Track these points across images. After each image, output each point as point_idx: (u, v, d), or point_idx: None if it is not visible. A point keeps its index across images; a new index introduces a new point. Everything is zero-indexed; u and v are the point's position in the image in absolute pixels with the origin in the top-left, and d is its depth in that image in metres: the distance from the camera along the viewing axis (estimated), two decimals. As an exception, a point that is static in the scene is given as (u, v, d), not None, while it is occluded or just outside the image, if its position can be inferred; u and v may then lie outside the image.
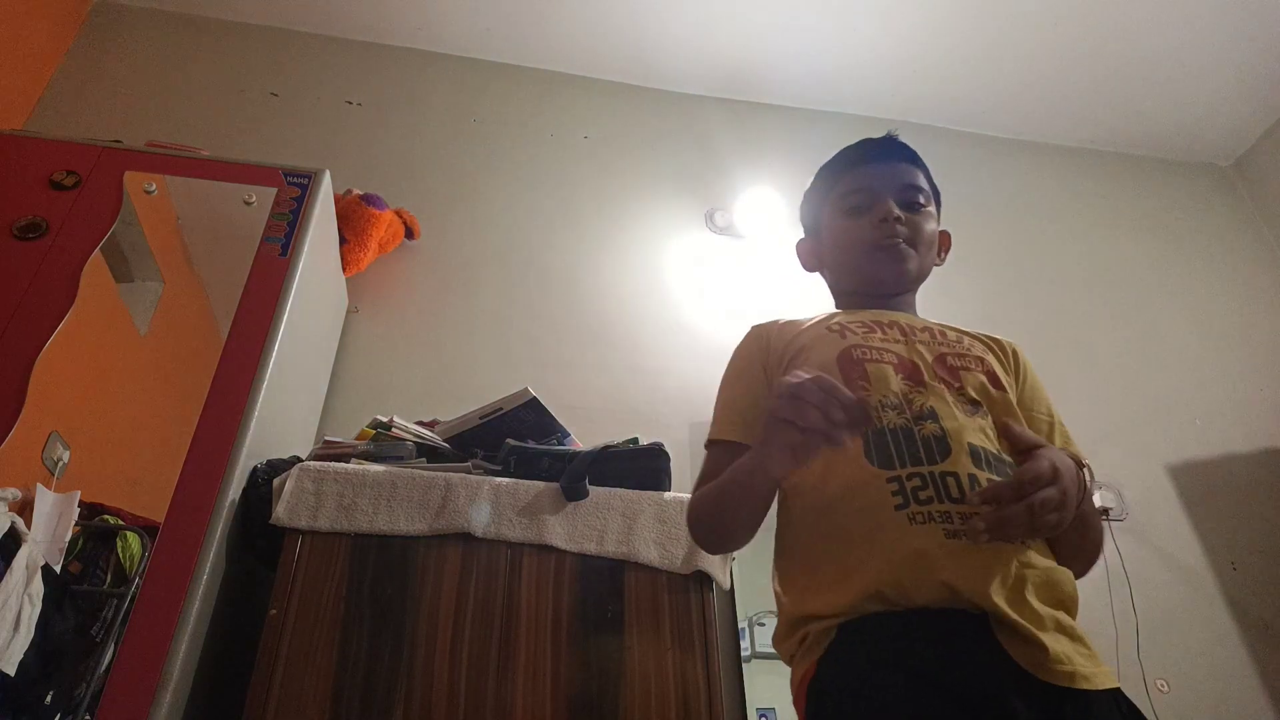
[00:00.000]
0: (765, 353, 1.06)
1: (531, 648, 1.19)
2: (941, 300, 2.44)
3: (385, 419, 1.51)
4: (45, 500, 1.17)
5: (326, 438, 1.49)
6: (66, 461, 1.24)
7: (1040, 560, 0.85)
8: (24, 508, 1.13)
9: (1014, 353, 1.13)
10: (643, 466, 1.41)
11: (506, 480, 1.35)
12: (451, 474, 1.34)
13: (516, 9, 2.48)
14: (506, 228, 2.28)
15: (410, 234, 2.11)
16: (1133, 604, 1.97)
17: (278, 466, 1.32)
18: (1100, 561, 2.01)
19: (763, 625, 1.76)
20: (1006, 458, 0.90)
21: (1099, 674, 0.79)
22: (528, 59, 2.62)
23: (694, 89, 2.71)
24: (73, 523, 1.19)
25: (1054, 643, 0.78)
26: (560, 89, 2.61)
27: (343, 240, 1.92)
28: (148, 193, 1.54)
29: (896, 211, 1.08)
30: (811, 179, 1.23)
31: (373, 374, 1.95)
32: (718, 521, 0.96)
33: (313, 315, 1.65)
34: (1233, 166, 3.02)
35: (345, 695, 1.11)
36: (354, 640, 1.15)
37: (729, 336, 1.17)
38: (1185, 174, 2.97)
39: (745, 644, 1.71)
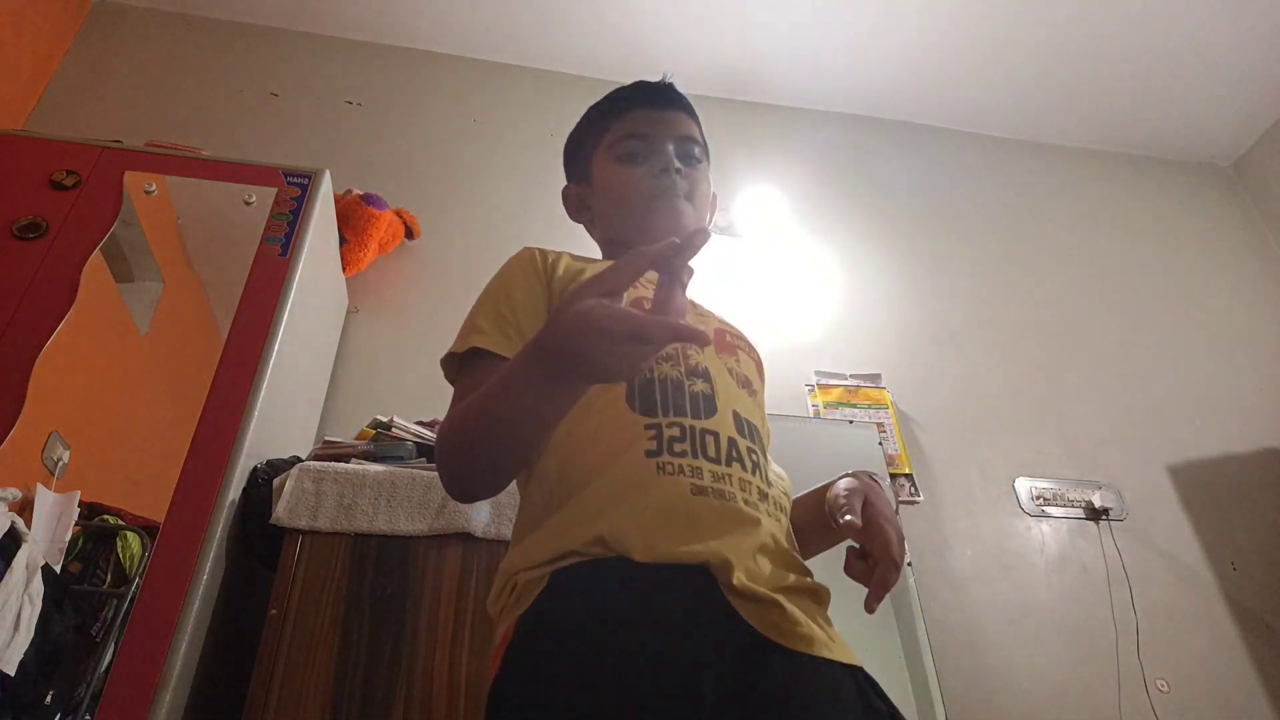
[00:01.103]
0: (549, 274, 0.94)
1: (531, 648, 1.19)
2: (942, 299, 2.46)
3: (385, 419, 1.51)
4: (45, 500, 1.17)
5: (326, 438, 1.49)
6: (66, 461, 1.24)
7: (779, 534, 0.81)
8: (24, 508, 1.13)
9: (760, 362, 1.03)
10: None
11: (506, 480, 1.35)
12: (451, 474, 1.34)
13: (516, 9, 2.48)
14: (506, 228, 2.28)
15: (410, 234, 2.11)
16: (1133, 604, 1.97)
17: (278, 466, 1.32)
18: (1100, 561, 2.03)
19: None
20: (762, 433, 0.88)
21: (839, 646, 0.74)
22: (528, 59, 2.62)
23: (694, 89, 2.70)
24: (73, 523, 1.20)
25: (791, 604, 0.73)
26: (560, 89, 2.61)
27: (343, 240, 1.92)
28: (148, 193, 1.54)
29: (676, 162, 1.00)
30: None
31: (373, 374, 1.95)
32: (479, 447, 0.75)
33: (313, 315, 1.65)
34: (1233, 166, 3.02)
35: (345, 695, 1.11)
36: (354, 640, 1.15)
37: (729, 336, 1.17)
38: (1185, 174, 2.97)
39: (745, 644, 1.71)
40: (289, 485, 1.26)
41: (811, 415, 2.14)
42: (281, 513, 1.23)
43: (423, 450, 1.47)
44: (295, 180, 1.59)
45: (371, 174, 2.22)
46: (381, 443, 1.45)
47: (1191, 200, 2.90)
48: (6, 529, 1.07)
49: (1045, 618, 1.95)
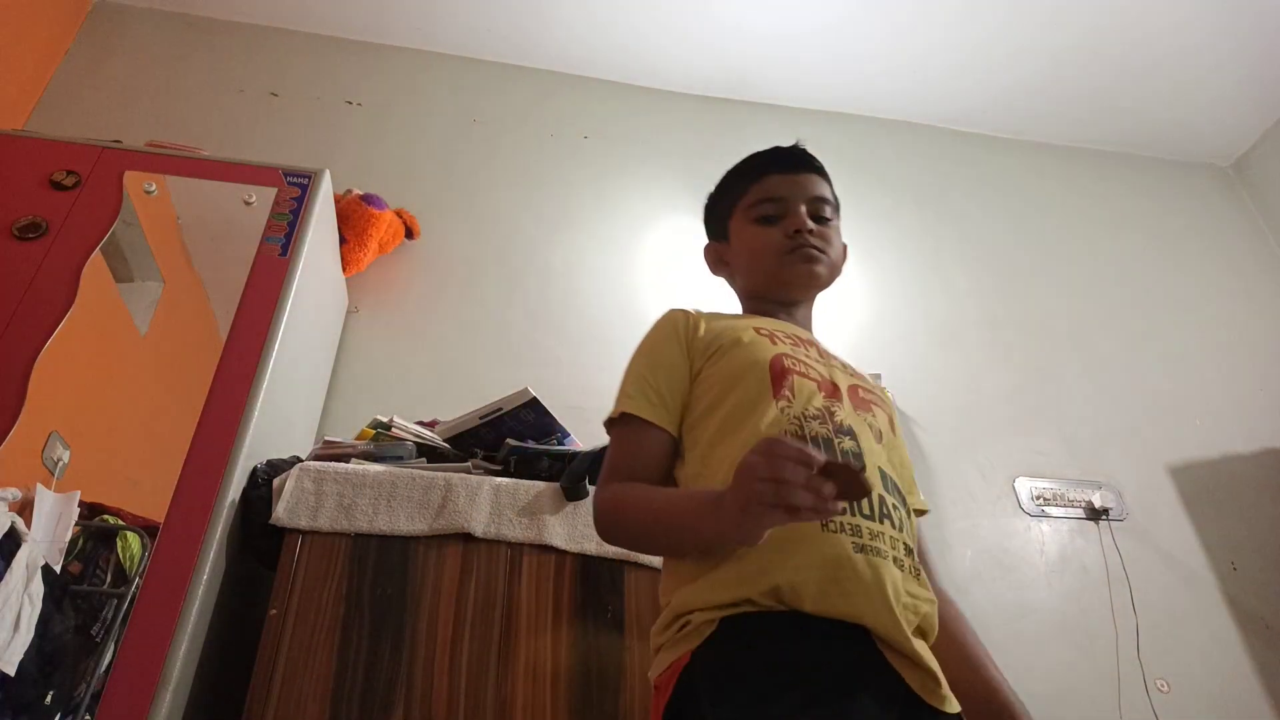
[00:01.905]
0: (689, 338, 1.03)
1: (531, 648, 1.19)
2: (942, 299, 2.46)
3: (385, 419, 1.51)
4: (45, 500, 1.17)
5: (326, 438, 1.49)
6: (66, 461, 1.24)
7: (924, 593, 0.87)
8: (24, 508, 1.13)
9: (891, 407, 1.09)
10: (643, 466, 1.41)
11: (506, 480, 1.35)
12: (451, 474, 1.34)
13: (516, 9, 2.48)
14: (506, 228, 2.28)
15: (410, 234, 2.11)
16: (1133, 604, 1.97)
17: (278, 466, 1.32)
18: (1100, 561, 2.03)
19: (763, 625, 1.76)
20: (902, 484, 0.94)
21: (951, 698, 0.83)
22: (528, 59, 2.62)
23: (694, 89, 2.71)
24: (73, 523, 1.19)
25: (933, 662, 0.81)
26: (560, 89, 2.61)
27: (343, 240, 1.92)
28: (148, 193, 1.54)
29: (810, 223, 1.09)
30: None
31: (373, 374, 1.95)
32: (641, 540, 0.96)
33: (313, 315, 1.65)
34: (1233, 166, 3.02)
35: (345, 695, 1.11)
36: (354, 640, 1.15)
37: (729, 336, 1.17)
38: (1185, 174, 2.97)
39: (745, 644, 1.71)
40: (289, 485, 1.26)
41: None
42: (281, 513, 1.23)
43: (422, 450, 1.47)
44: (295, 180, 1.59)
45: (371, 174, 2.22)
46: (381, 443, 1.45)
47: (1191, 200, 2.90)
48: (6, 529, 1.07)
49: (1045, 618, 1.95)
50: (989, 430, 2.22)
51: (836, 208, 1.17)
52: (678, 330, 1.03)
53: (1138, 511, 2.16)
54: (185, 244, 1.65)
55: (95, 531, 1.23)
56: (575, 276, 2.24)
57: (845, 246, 1.19)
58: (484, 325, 2.09)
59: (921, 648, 0.81)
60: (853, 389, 1.00)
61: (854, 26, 2.52)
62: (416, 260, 2.16)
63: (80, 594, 1.17)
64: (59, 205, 1.43)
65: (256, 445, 1.30)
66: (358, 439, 1.48)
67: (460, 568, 1.24)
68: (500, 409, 1.47)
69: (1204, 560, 2.11)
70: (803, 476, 0.66)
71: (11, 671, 1.01)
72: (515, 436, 1.44)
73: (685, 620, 0.83)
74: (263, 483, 1.28)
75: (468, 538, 1.26)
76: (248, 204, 1.55)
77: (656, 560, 1.30)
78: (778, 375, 0.94)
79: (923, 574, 0.89)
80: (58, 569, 1.15)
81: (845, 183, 2.63)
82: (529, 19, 2.51)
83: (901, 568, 0.84)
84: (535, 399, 1.47)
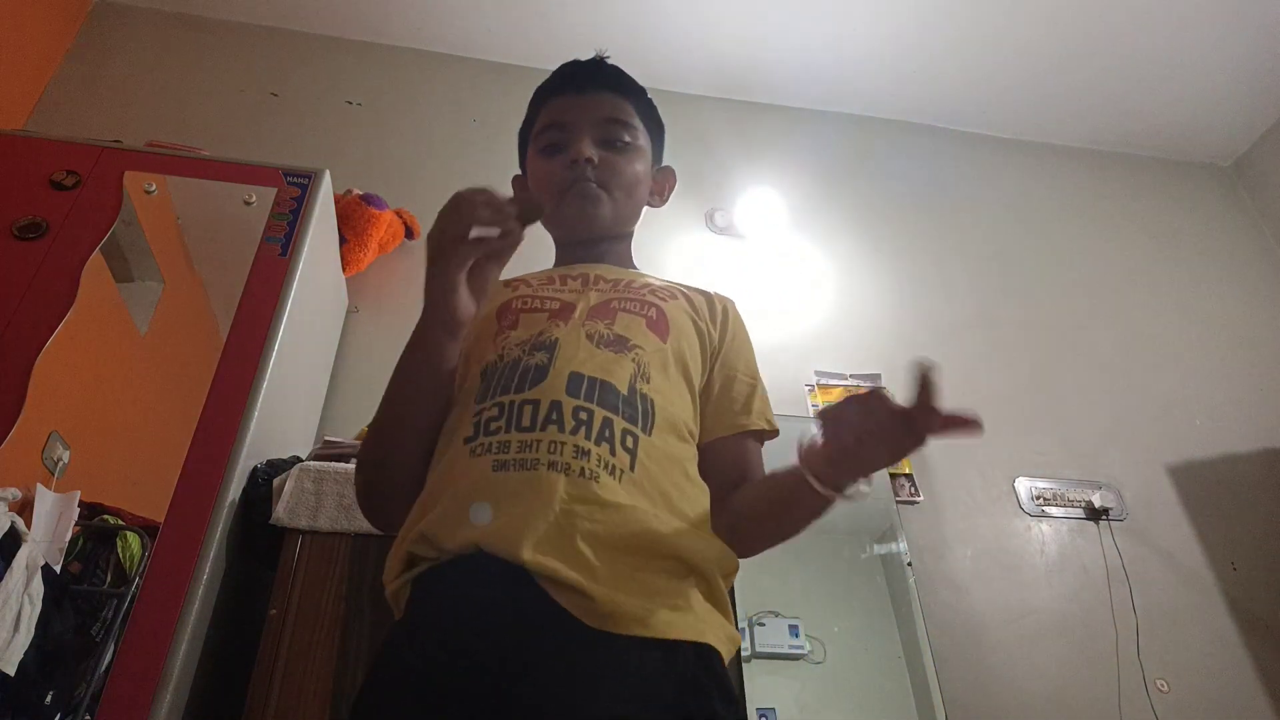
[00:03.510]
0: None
1: (531, 648, 1.19)
2: (942, 299, 2.46)
3: (385, 419, 1.50)
4: (45, 500, 1.17)
5: (326, 438, 1.49)
6: (66, 461, 1.24)
7: (614, 498, 0.72)
8: (24, 508, 1.13)
9: (724, 309, 1.00)
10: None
11: (506, 480, 1.35)
12: (451, 474, 1.34)
13: (516, 9, 2.48)
14: (506, 228, 2.28)
15: (410, 234, 2.11)
16: (1133, 604, 1.97)
17: (278, 466, 1.32)
18: (1100, 561, 2.02)
19: (763, 625, 1.76)
20: (626, 390, 0.80)
21: (669, 623, 0.69)
22: (528, 59, 2.62)
23: (694, 89, 2.71)
24: (73, 523, 1.19)
25: (606, 590, 0.67)
26: (560, 89, 2.61)
27: (343, 240, 1.92)
28: (148, 193, 1.54)
29: (589, 152, 0.95)
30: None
31: (373, 374, 1.93)
32: (384, 437, 0.82)
33: (313, 315, 1.65)
34: (1233, 166, 3.02)
35: (345, 695, 1.11)
36: (354, 640, 1.15)
37: (729, 336, 1.16)
38: (1185, 174, 2.97)
39: (745, 644, 1.71)
40: (289, 485, 1.26)
41: (812, 416, 2.13)
42: (281, 513, 1.23)
43: (423, 450, 1.46)
44: (295, 180, 1.59)
45: (371, 174, 2.21)
46: (381, 443, 1.44)
47: (1191, 200, 2.90)
48: (6, 529, 1.07)
49: (1045, 618, 1.95)
50: (989, 430, 2.19)
51: (648, 129, 1.04)
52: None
53: (1138, 511, 2.16)
54: (185, 244, 1.65)
55: (95, 531, 1.23)
56: (575, 276, 2.24)
57: (669, 172, 1.09)
58: (484, 325, 2.09)
59: (583, 557, 0.68)
60: (604, 304, 0.89)
61: (853, 26, 2.52)
62: (416, 260, 2.13)
63: (80, 594, 1.17)
64: (59, 205, 1.43)
65: (256, 445, 1.30)
66: (358, 439, 1.48)
67: (460, 568, 1.24)
68: (500, 409, 1.46)
69: (1204, 560, 2.11)
70: (481, 196, 0.70)
71: (11, 671, 1.01)
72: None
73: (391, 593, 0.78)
74: (263, 483, 1.28)
75: (468, 538, 1.26)
76: (248, 204, 1.55)
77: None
78: (502, 318, 0.89)
79: (632, 472, 0.75)
80: (58, 569, 1.15)
81: (846, 183, 2.67)
82: (529, 19, 2.51)
83: (578, 473, 0.72)
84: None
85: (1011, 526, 2.08)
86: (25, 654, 1.03)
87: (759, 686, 1.68)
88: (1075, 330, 2.49)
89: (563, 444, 0.74)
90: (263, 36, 2.49)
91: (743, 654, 1.70)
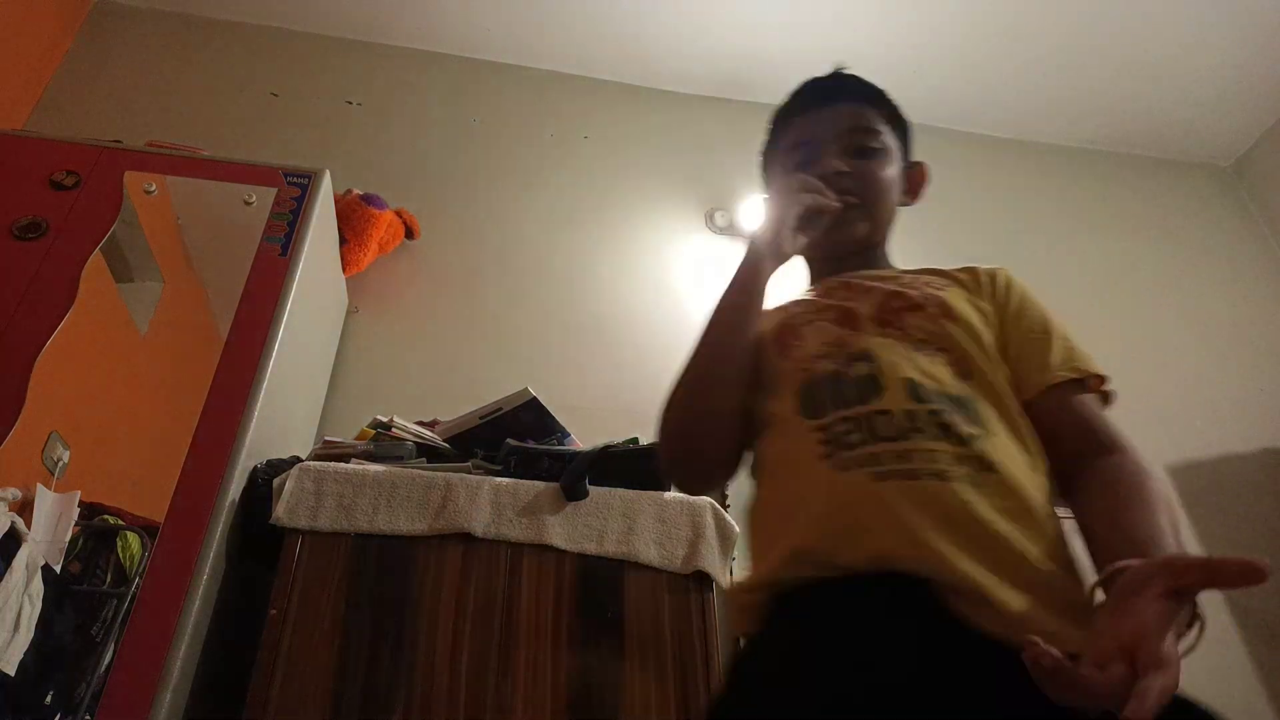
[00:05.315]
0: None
1: (531, 647, 1.19)
2: (941, 300, 2.45)
3: (385, 419, 1.51)
4: (45, 500, 1.17)
5: (326, 438, 1.49)
6: (66, 461, 1.24)
7: (1018, 492, 0.74)
8: (24, 508, 1.13)
9: (993, 277, 0.97)
10: (643, 466, 1.41)
11: (506, 480, 1.35)
12: (451, 474, 1.34)
13: (516, 9, 2.48)
14: (506, 228, 2.28)
15: (410, 234, 2.11)
16: (1133, 604, 1.97)
17: (278, 466, 1.32)
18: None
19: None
20: (957, 392, 0.79)
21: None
22: (528, 59, 2.62)
23: (694, 89, 2.71)
24: (73, 523, 1.19)
25: (1017, 601, 0.64)
26: (560, 89, 2.61)
27: (343, 240, 1.92)
28: (148, 193, 1.54)
29: (838, 165, 0.95)
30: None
31: (373, 374, 1.95)
32: (699, 379, 0.87)
33: (313, 315, 1.65)
34: (1233, 166, 3.01)
35: (345, 695, 1.11)
36: (354, 640, 1.15)
37: (729, 336, 1.16)
38: (1185, 174, 2.97)
39: (745, 644, 1.71)
40: (289, 485, 1.26)
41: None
42: (281, 513, 1.23)
43: (422, 450, 1.47)
44: (295, 180, 1.59)
45: (371, 174, 2.21)
46: (381, 443, 1.45)
47: (1191, 200, 2.90)
48: (6, 529, 1.07)
49: (1045, 618, 1.95)
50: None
51: (894, 130, 1.04)
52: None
53: (1138, 511, 2.15)
54: (185, 244, 1.65)
55: (95, 531, 1.23)
56: (575, 276, 2.24)
57: (920, 168, 1.11)
58: (484, 325, 2.09)
59: (990, 574, 0.65)
60: (883, 304, 0.88)
61: (853, 26, 2.52)
62: (416, 260, 2.15)
63: (80, 594, 1.17)
64: (59, 205, 1.43)
65: (256, 445, 1.30)
66: (358, 439, 1.48)
67: (460, 568, 1.24)
68: (500, 409, 1.47)
69: (1204, 560, 2.11)
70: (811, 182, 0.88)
71: (11, 671, 1.01)
72: (515, 436, 1.44)
73: (741, 605, 0.77)
74: (263, 483, 1.28)
75: (468, 537, 1.26)
76: (248, 204, 1.55)
77: (655, 560, 1.30)
78: (782, 338, 0.89)
79: (1008, 467, 0.75)
80: (58, 569, 1.15)
81: (845, 183, 2.66)
82: (529, 19, 2.51)
83: (963, 481, 0.70)
84: (535, 399, 1.47)
85: (1011, 526, 2.08)
86: (25, 654, 1.04)
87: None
88: (1075, 330, 2.48)
89: (940, 453, 0.72)
90: (263, 36, 2.49)
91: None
